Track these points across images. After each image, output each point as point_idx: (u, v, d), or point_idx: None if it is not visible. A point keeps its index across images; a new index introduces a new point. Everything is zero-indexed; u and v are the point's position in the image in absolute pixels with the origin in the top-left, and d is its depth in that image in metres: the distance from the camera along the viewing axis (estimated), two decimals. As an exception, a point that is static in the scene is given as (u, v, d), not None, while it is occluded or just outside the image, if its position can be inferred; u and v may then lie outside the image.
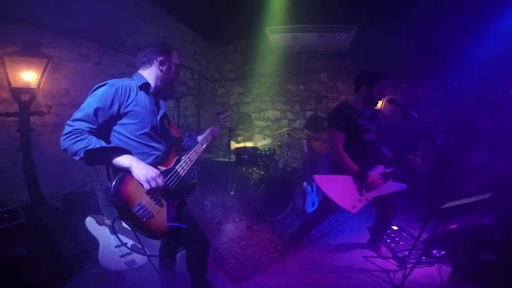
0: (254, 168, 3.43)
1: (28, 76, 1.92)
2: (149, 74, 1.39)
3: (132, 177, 1.15)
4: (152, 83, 1.38)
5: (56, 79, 2.33)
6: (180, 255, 1.73)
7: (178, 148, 1.45)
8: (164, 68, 1.39)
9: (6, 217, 1.73)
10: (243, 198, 3.31)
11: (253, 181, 3.15)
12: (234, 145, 3.84)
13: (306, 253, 2.42)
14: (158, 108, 1.42)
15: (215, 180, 3.85)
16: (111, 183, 1.13)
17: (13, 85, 1.89)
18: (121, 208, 1.12)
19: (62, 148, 1.14)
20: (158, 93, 1.42)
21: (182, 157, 1.40)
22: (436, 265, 2.06)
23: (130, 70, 3.11)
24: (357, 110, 2.01)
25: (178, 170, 1.33)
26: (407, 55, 3.86)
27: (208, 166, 4.00)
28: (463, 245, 2.09)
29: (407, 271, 1.86)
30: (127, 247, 1.96)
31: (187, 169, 1.37)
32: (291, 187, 3.25)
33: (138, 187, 1.16)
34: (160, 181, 1.18)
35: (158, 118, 1.38)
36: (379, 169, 1.99)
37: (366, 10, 3.34)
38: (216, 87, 4.03)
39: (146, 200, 1.18)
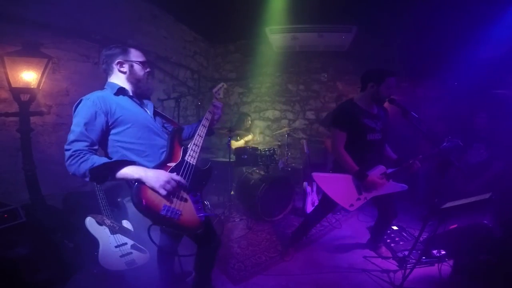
0: (254, 168, 3.43)
1: (28, 76, 1.92)
2: (117, 79, 1.37)
3: (147, 185, 1.15)
4: (126, 87, 1.38)
5: (56, 79, 2.33)
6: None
7: (180, 138, 1.44)
8: (125, 69, 1.36)
9: (6, 217, 1.73)
10: (243, 198, 3.31)
11: (253, 181, 3.15)
12: (234, 144, 3.84)
13: (306, 253, 2.42)
14: (145, 106, 1.45)
15: (215, 180, 3.85)
16: (131, 196, 1.14)
17: (13, 85, 1.89)
18: (151, 216, 1.13)
19: (71, 174, 1.15)
20: (138, 94, 1.43)
21: (188, 145, 1.37)
22: (436, 265, 2.06)
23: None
24: (362, 108, 1.96)
25: (189, 160, 1.31)
26: (407, 55, 3.86)
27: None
28: (463, 245, 2.09)
29: (407, 271, 1.86)
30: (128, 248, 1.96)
31: (196, 156, 1.35)
32: (291, 187, 3.25)
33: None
34: (174, 182, 1.18)
35: (151, 115, 1.42)
36: (379, 169, 1.99)
37: (366, 10, 3.33)
38: (216, 87, 4.02)
39: (169, 201, 1.18)
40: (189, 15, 3.84)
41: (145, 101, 1.47)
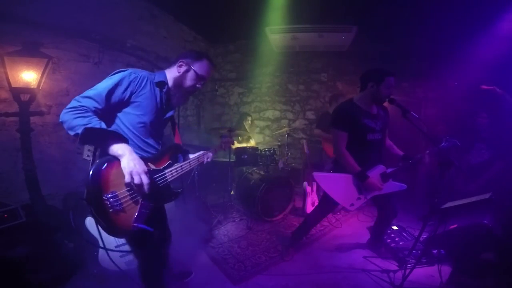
0: (254, 168, 3.43)
1: (28, 76, 1.92)
2: (169, 73, 1.42)
3: (118, 164, 1.10)
4: (169, 83, 1.41)
5: (56, 79, 2.33)
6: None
7: (174, 154, 1.44)
8: (181, 71, 1.39)
9: (6, 217, 1.73)
10: (243, 198, 3.31)
11: (253, 181, 3.15)
12: (234, 145, 3.83)
13: (306, 253, 2.42)
14: (169, 109, 1.44)
15: (215, 180, 3.85)
16: (92, 162, 1.08)
17: (13, 85, 1.89)
18: (92, 190, 1.04)
19: (60, 120, 1.09)
20: (172, 95, 1.43)
21: (175, 164, 1.38)
22: (436, 265, 2.06)
23: (130, 70, 3.11)
24: (362, 108, 1.97)
25: (167, 174, 1.30)
26: (407, 55, 3.87)
27: (208, 166, 3.99)
28: (463, 245, 2.09)
29: (407, 271, 1.86)
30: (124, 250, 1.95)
31: (175, 176, 1.35)
32: (291, 187, 3.25)
33: (119, 176, 1.09)
34: (144, 179, 1.11)
35: (164, 118, 1.42)
36: (379, 169, 1.99)
37: (366, 10, 3.33)
38: (216, 87, 4.03)
39: (122, 191, 1.10)
40: (189, 15, 3.84)
41: (173, 104, 1.48)
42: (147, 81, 1.30)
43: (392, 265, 2.19)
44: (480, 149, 2.73)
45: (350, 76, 4.59)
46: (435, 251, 2.19)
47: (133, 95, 1.26)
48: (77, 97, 1.15)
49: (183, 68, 1.38)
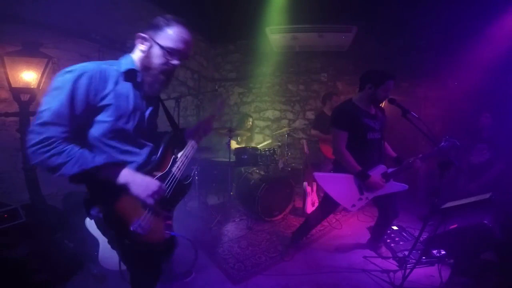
0: (254, 168, 3.43)
1: (28, 76, 1.92)
2: (136, 56, 1.08)
3: (125, 195, 0.96)
4: (140, 70, 1.07)
5: (56, 79, 2.33)
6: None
7: (172, 145, 1.23)
8: (144, 49, 1.04)
9: (6, 217, 1.73)
10: (243, 198, 3.31)
11: (253, 181, 3.15)
12: (234, 145, 3.83)
13: (306, 253, 2.42)
14: (148, 104, 1.12)
15: (215, 180, 3.85)
16: (100, 206, 0.95)
17: (13, 85, 1.89)
18: (118, 231, 0.96)
19: (32, 163, 0.89)
20: (144, 83, 1.09)
21: (178, 156, 1.22)
22: (436, 265, 2.06)
23: (130, 70, 3.11)
24: (361, 108, 1.98)
25: (175, 172, 1.16)
26: (407, 54, 3.87)
27: (208, 166, 4.00)
28: (463, 245, 2.09)
29: (407, 271, 1.86)
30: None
31: (183, 169, 1.20)
32: (291, 187, 3.25)
33: (133, 203, 0.99)
34: (163, 192, 1.04)
35: (147, 115, 1.11)
36: (380, 169, 1.99)
37: (366, 10, 3.34)
38: (216, 87, 4.03)
39: (143, 215, 1.01)
40: (188, 15, 3.84)
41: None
42: (108, 74, 1.01)
43: (392, 265, 2.19)
44: (482, 149, 2.74)
45: (350, 76, 4.59)
46: (435, 251, 2.19)
47: (97, 100, 0.96)
48: (34, 126, 0.90)
49: (147, 45, 1.04)
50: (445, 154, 1.79)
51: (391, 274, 2.05)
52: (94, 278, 1.90)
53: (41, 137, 0.88)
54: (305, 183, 3.23)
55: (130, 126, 1.03)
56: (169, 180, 1.13)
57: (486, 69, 3.23)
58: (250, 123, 4.24)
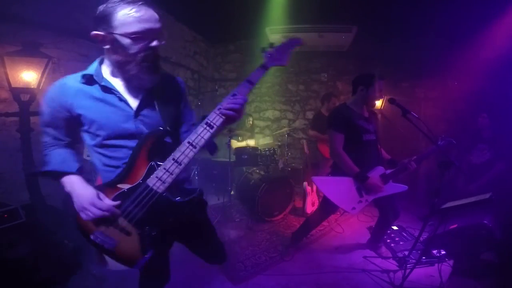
0: (254, 168, 3.43)
1: (28, 76, 1.92)
2: (107, 56, 0.98)
3: None
4: (109, 69, 0.99)
5: (56, 79, 2.31)
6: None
7: (157, 147, 0.96)
8: (110, 47, 0.91)
9: (6, 217, 1.73)
10: (243, 198, 3.31)
11: (253, 181, 3.15)
12: (234, 144, 3.84)
13: (306, 253, 2.42)
14: (135, 103, 0.99)
15: (215, 180, 3.85)
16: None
17: (13, 85, 1.89)
18: (83, 235, 0.93)
19: None
20: (129, 79, 0.97)
21: (164, 162, 0.91)
22: (436, 265, 2.06)
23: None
24: (355, 111, 2.03)
25: (152, 185, 0.90)
26: (407, 55, 3.87)
27: (208, 166, 4.00)
28: (463, 245, 2.09)
29: (407, 271, 1.86)
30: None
31: (170, 180, 0.90)
32: (291, 187, 3.25)
33: None
34: (96, 211, 0.87)
35: (133, 113, 0.98)
36: (378, 170, 1.99)
37: (366, 10, 3.34)
38: (216, 87, 4.03)
39: (103, 228, 0.91)
40: (189, 15, 3.84)
41: (135, 93, 1.01)
42: (67, 85, 0.96)
43: (392, 265, 2.19)
44: (482, 149, 2.73)
45: (350, 76, 4.55)
46: (435, 251, 2.19)
47: (70, 111, 0.94)
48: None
49: (107, 41, 0.89)
50: (443, 154, 1.79)
51: (391, 274, 2.05)
52: (94, 278, 1.90)
53: (42, 140, 1.00)
54: (305, 183, 3.23)
55: (108, 134, 0.96)
56: (139, 195, 0.90)
57: (486, 69, 3.23)
58: (251, 122, 4.24)
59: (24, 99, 1.95)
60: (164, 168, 0.90)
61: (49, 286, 1.77)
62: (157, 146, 0.95)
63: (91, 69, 0.98)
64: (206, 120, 0.94)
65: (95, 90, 0.96)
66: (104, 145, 0.98)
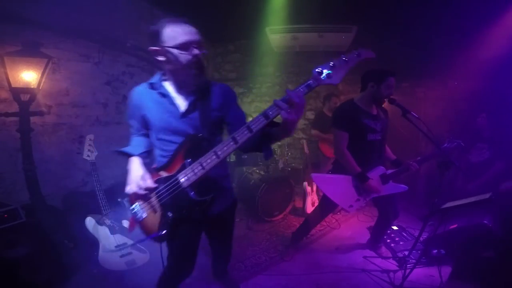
0: (254, 168, 3.43)
1: (28, 76, 1.92)
2: (163, 68, 1.19)
3: None
4: (168, 77, 1.21)
5: (56, 79, 2.33)
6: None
7: (193, 149, 1.13)
8: (165, 60, 1.11)
9: (6, 217, 1.74)
10: (243, 198, 3.31)
11: (253, 181, 3.15)
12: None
13: (306, 253, 2.42)
14: (184, 106, 1.19)
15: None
16: None
17: (13, 85, 1.89)
18: (129, 204, 1.21)
19: None
20: (181, 88, 1.19)
21: (195, 162, 1.08)
22: (436, 265, 2.06)
23: (130, 70, 3.11)
24: (362, 109, 1.97)
25: (180, 179, 1.09)
26: (407, 55, 3.86)
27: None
28: (463, 245, 2.09)
29: (407, 271, 1.86)
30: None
31: (194, 178, 1.07)
32: (291, 187, 3.25)
33: None
34: (136, 188, 1.09)
35: (180, 114, 1.17)
36: (379, 170, 1.99)
37: (366, 10, 3.33)
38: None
39: (141, 202, 1.18)
40: (189, 15, 3.84)
41: (184, 97, 1.20)
42: (140, 92, 1.22)
43: (392, 265, 2.19)
44: (481, 149, 2.73)
45: (350, 76, 4.52)
46: (435, 251, 2.19)
47: (141, 115, 1.22)
48: None
49: (160, 55, 1.10)
50: (446, 155, 1.79)
51: (391, 274, 2.06)
52: (94, 278, 1.90)
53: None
54: (305, 183, 3.23)
55: (161, 128, 1.20)
56: (168, 185, 1.10)
57: (486, 69, 3.23)
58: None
59: (24, 99, 1.95)
60: (191, 169, 1.08)
61: (49, 286, 1.78)
62: (193, 148, 1.12)
63: (154, 79, 1.23)
64: (241, 129, 1.02)
65: (155, 95, 1.19)
66: (159, 139, 1.22)
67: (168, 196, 1.11)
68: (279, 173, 3.72)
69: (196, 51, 1.09)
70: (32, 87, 1.95)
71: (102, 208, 2.03)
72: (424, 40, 3.79)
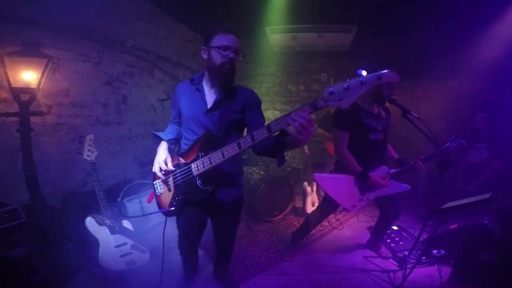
0: (254, 168, 3.43)
1: (28, 76, 1.92)
2: (205, 65, 1.41)
3: None
4: (206, 75, 1.41)
5: (56, 79, 2.33)
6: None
7: (205, 145, 1.29)
8: (207, 57, 1.35)
9: (6, 217, 1.73)
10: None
11: (253, 181, 3.15)
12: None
13: (306, 253, 2.42)
14: (211, 102, 1.37)
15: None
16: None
17: (13, 85, 1.89)
18: (152, 180, 1.48)
19: None
20: (213, 86, 1.39)
21: (206, 156, 1.24)
22: (436, 265, 2.06)
23: (130, 70, 3.11)
24: (364, 108, 1.96)
25: (192, 167, 1.29)
26: (407, 55, 3.86)
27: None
28: (463, 245, 2.09)
29: (407, 271, 1.86)
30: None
31: (203, 170, 1.25)
32: (291, 187, 3.25)
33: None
34: (158, 168, 1.35)
35: (205, 110, 1.36)
36: (382, 170, 1.98)
37: (366, 10, 3.33)
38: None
39: (161, 180, 1.43)
40: (189, 15, 3.84)
41: (212, 94, 1.39)
42: (182, 87, 1.47)
43: (392, 265, 2.19)
44: (480, 149, 2.73)
45: (350, 76, 4.53)
46: (435, 251, 2.19)
47: (178, 102, 1.45)
48: None
49: (206, 53, 1.35)
50: (447, 155, 1.79)
51: (391, 274, 2.06)
52: (94, 278, 1.90)
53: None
54: (305, 183, 3.23)
55: (189, 117, 1.41)
56: (183, 170, 1.33)
57: (486, 69, 3.23)
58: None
59: (24, 99, 1.95)
60: (202, 161, 1.25)
61: (49, 286, 1.78)
62: (208, 143, 1.29)
63: (196, 76, 1.44)
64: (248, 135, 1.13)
65: (193, 89, 1.41)
66: (186, 128, 1.44)
67: (181, 180, 1.34)
68: (279, 173, 3.72)
69: (231, 55, 1.31)
70: (32, 87, 1.95)
71: (102, 208, 2.03)
72: (424, 40, 3.79)
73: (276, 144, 1.15)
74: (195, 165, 1.27)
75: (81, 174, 2.60)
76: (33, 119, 2.08)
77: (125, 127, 3.10)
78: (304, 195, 3.23)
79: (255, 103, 1.41)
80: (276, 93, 5.03)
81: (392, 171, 1.99)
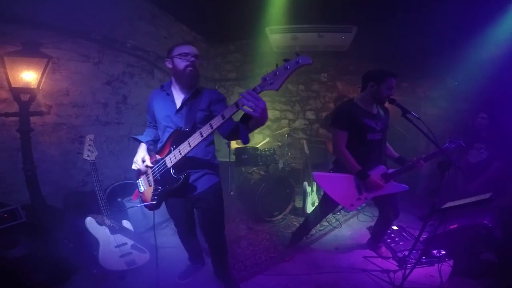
0: (254, 168, 3.43)
1: (28, 76, 1.92)
2: (172, 74, 1.62)
3: None
4: (173, 82, 1.60)
5: (56, 79, 2.33)
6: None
7: (176, 140, 1.45)
8: (172, 66, 1.54)
9: (6, 217, 1.73)
10: (243, 198, 3.31)
11: (253, 181, 3.15)
12: (234, 145, 3.83)
13: (306, 253, 2.42)
14: (179, 103, 1.57)
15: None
16: None
17: (13, 85, 1.89)
18: (135, 179, 1.67)
19: None
20: (181, 89, 1.58)
21: (176, 148, 1.43)
22: (436, 265, 2.06)
23: (130, 70, 3.11)
24: (362, 108, 1.97)
25: (166, 161, 1.46)
26: (407, 55, 3.86)
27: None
28: (463, 245, 2.09)
29: (407, 271, 1.86)
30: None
31: (175, 161, 1.42)
32: (291, 187, 3.25)
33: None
34: (136, 166, 1.57)
35: (175, 110, 1.55)
36: (380, 170, 1.98)
37: (366, 10, 3.33)
38: (216, 87, 4.03)
39: (142, 177, 1.62)
40: (189, 15, 3.84)
41: (179, 96, 1.58)
42: (155, 93, 1.66)
43: (392, 265, 2.19)
44: (479, 149, 2.73)
45: (350, 76, 4.59)
46: (435, 251, 2.19)
47: (152, 107, 1.64)
48: None
49: (170, 63, 1.55)
50: (447, 155, 1.79)
51: (391, 274, 2.06)
52: (94, 278, 1.90)
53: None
54: (305, 183, 3.23)
55: (160, 119, 1.60)
56: (159, 165, 1.50)
57: (486, 69, 3.23)
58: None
59: (24, 99, 1.95)
60: (174, 153, 1.43)
61: (49, 286, 1.78)
62: (178, 138, 1.44)
63: (166, 83, 1.63)
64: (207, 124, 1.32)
65: (164, 95, 1.61)
66: (160, 129, 1.62)
67: (159, 173, 1.50)
68: (279, 173, 3.72)
69: (192, 59, 1.49)
70: (32, 87, 1.95)
71: (102, 208, 2.03)
72: (424, 40, 3.79)
73: (237, 126, 1.40)
74: (169, 158, 1.45)
75: (81, 174, 2.60)
76: (33, 119, 2.08)
77: (125, 127, 3.11)
78: (304, 195, 3.23)
79: (218, 98, 1.60)
80: (276, 93, 5.02)
81: (390, 170, 1.99)
